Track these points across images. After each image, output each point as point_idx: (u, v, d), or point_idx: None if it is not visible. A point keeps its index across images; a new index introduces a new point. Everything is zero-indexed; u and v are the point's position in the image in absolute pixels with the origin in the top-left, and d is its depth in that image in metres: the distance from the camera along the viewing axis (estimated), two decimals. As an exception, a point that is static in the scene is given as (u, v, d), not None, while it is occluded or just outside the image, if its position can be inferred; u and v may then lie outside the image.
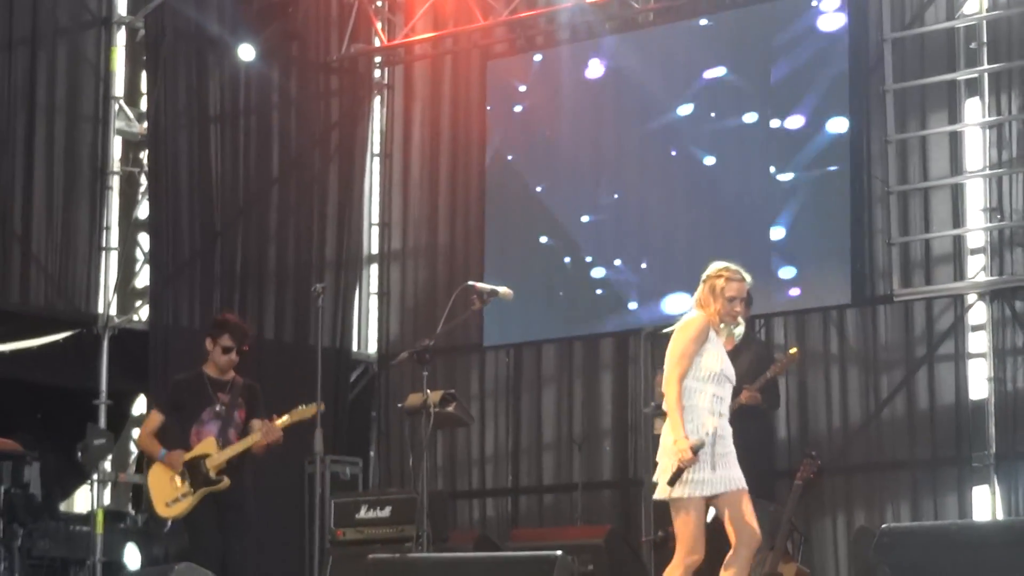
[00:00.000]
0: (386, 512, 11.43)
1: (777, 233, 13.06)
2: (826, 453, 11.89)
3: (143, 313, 14.06)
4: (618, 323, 13.84)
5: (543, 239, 14.26)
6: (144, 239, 14.59)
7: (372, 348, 15.47)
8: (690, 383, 8.11)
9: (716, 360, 8.17)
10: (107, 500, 13.91)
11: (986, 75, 12.54)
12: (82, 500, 14.22)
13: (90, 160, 13.80)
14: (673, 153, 13.73)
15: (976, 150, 12.63)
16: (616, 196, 14.00)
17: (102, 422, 13.34)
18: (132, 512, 13.79)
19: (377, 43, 15.31)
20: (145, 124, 14.06)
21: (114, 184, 13.91)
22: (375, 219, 15.54)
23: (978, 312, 12.55)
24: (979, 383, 12.44)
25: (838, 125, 12.91)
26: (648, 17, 14.20)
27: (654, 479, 8.18)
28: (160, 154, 13.96)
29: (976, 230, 12.58)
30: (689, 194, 13.63)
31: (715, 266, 8.33)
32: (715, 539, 8.18)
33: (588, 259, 14.00)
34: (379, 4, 15.39)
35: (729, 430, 8.18)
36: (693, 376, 8.11)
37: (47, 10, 13.60)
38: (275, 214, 14.72)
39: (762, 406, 10.68)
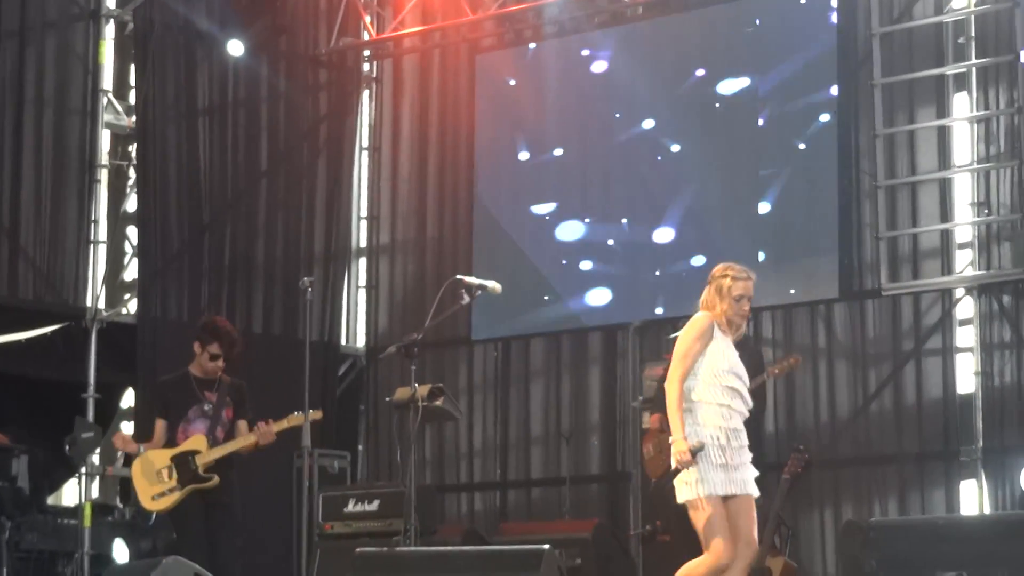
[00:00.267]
0: (374, 506, 11.43)
1: (764, 226, 13.08)
2: (814, 447, 11.87)
3: (131, 306, 14.07)
4: (605, 317, 13.85)
5: (532, 234, 14.27)
6: (132, 232, 14.59)
7: (360, 342, 15.47)
8: (695, 382, 7.98)
9: (723, 358, 8.02)
10: (95, 493, 13.89)
11: (974, 70, 12.55)
12: (70, 493, 14.19)
13: (78, 153, 13.76)
14: (662, 147, 13.75)
15: (964, 145, 12.65)
16: (605, 190, 14.01)
17: (90, 415, 13.30)
18: (120, 505, 13.76)
19: (366, 37, 15.30)
20: (133, 118, 14.05)
21: (102, 177, 13.87)
22: (363, 213, 15.53)
23: (965, 306, 12.57)
24: (966, 377, 12.46)
25: (826, 119, 12.94)
26: (637, 11, 14.23)
27: (674, 482, 7.99)
28: (148, 148, 13.94)
29: (964, 224, 12.59)
30: (678, 189, 13.65)
31: (720, 266, 8.20)
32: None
33: (576, 253, 14.01)
34: (368, -2, 15.40)
35: (743, 428, 8.01)
36: (699, 375, 7.97)
37: (36, 3, 13.56)
38: (264, 208, 14.72)
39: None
